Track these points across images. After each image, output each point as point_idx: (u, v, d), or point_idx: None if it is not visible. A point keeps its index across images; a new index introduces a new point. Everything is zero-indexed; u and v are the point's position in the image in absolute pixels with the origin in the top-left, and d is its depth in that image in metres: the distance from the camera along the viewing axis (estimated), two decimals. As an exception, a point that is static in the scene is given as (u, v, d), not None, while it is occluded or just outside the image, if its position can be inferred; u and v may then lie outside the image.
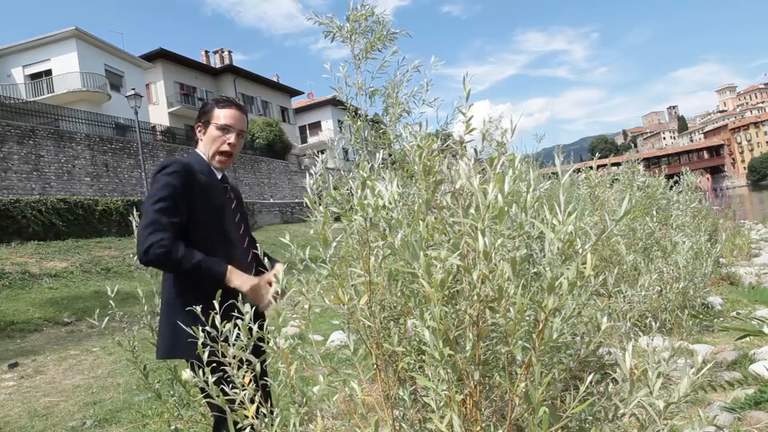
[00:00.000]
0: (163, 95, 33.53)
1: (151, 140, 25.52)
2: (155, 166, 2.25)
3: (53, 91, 26.14)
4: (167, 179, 1.99)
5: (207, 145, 2.18)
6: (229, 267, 1.96)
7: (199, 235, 2.02)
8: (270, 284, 2.02)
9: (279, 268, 2.13)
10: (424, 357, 1.28)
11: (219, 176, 2.21)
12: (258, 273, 2.15)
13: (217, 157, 2.17)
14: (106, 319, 2.50)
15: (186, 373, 2.21)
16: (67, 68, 26.20)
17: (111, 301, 2.51)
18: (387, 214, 1.29)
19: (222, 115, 2.16)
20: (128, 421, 4.21)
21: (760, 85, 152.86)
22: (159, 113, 32.45)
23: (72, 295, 10.44)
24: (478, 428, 1.31)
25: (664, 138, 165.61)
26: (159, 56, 33.06)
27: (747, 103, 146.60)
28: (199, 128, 2.23)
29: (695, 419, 1.20)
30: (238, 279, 1.95)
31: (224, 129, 2.15)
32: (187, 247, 1.91)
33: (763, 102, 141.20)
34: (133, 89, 21.22)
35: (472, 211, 1.19)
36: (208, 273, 1.92)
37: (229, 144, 2.16)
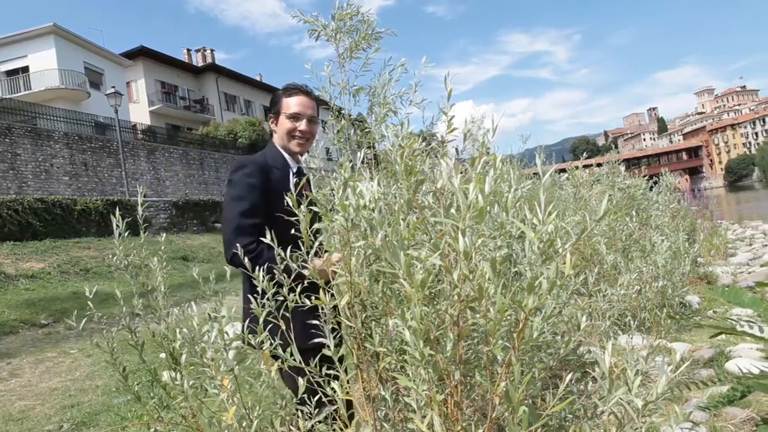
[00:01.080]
0: (144, 94, 33.10)
1: (131, 139, 25.17)
2: (232, 165, 2.22)
3: (30, 89, 25.66)
4: (246, 180, 2.03)
5: (281, 135, 2.20)
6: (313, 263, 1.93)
7: (275, 233, 2.03)
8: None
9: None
10: (405, 357, 1.28)
11: (295, 168, 2.20)
12: None
13: (294, 145, 2.18)
14: (84, 320, 2.45)
15: (166, 375, 2.19)
16: (45, 65, 25.74)
17: (89, 302, 2.46)
18: (368, 214, 1.29)
19: (291, 104, 2.17)
20: (107, 423, 4.14)
21: (737, 87, 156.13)
22: (140, 112, 32.04)
23: (49, 297, 10.24)
24: (459, 428, 1.31)
25: (644, 139, 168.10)
26: (140, 54, 32.65)
27: (724, 106, 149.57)
28: (271, 120, 2.25)
29: (672, 416, 1.21)
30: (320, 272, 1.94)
31: (294, 117, 2.16)
32: (271, 250, 1.88)
33: (739, 104, 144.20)
34: (113, 87, 20.93)
35: (453, 211, 1.19)
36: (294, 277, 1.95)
37: (300, 131, 2.16)
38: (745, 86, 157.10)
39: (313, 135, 2.21)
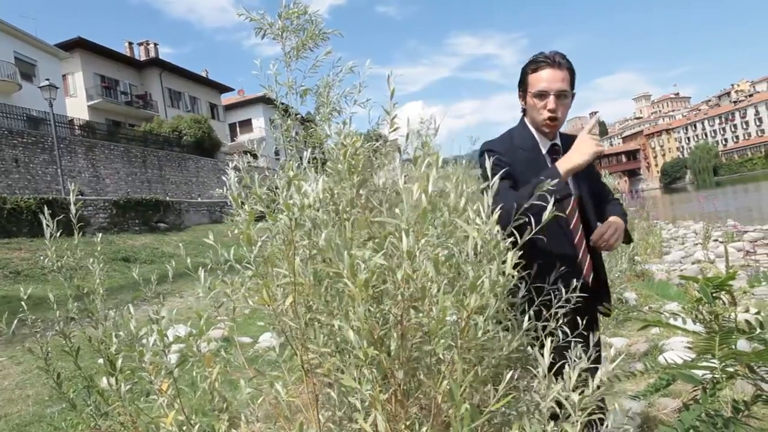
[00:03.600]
0: (82, 88, 31.57)
1: (68, 135, 23.98)
2: (481, 146, 2.10)
3: (-48, 79, 24.04)
4: (494, 160, 1.90)
5: (530, 114, 2.03)
6: (558, 164, 1.85)
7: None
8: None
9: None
10: (348, 358, 1.27)
11: (545, 149, 2.03)
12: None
13: (543, 125, 2.00)
14: (15, 325, 2.32)
15: (104, 381, 2.10)
16: (-31, 54, 24.16)
17: (24, 303, 2.33)
18: (313, 213, 1.28)
19: (536, 81, 1.96)
20: (38, 435, 3.93)
21: (671, 94, 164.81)
22: (77, 106, 30.53)
23: (-24, 301, 9.63)
24: (403, 426, 1.32)
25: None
26: (77, 46, 31.10)
27: (660, 111, 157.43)
28: (520, 96, 2.07)
29: (610, 408, 1.27)
30: (565, 164, 1.84)
31: (540, 96, 1.96)
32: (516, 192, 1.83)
33: (673, 110, 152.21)
34: (48, 80, 19.85)
35: (397, 210, 1.20)
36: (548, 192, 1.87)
37: (549, 110, 1.95)
38: (678, 93, 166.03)
39: (566, 109, 2.01)
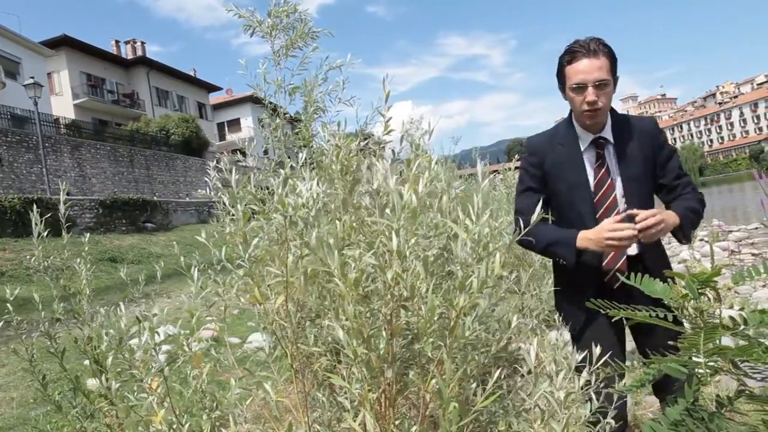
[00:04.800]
0: (68, 86, 31.19)
1: (53, 134, 23.68)
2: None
3: (-65, 76, 23.63)
4: (522, 164, 2.07)
5: (571, 107, 1.96)
6: (578, 237, 1.85)
7: (559, 212, 1.99)
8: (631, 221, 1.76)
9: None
10: (339, 357, 1.28)
11: (584, 144, 1.96)
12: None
13: (583, 118, 1.91)
14: (0, 326, 2.29)
15: (90, 383, 2.08)
16: (-48, 51, 23.77)
17: (9, 305, 2.30)
18: (306, 213, 1.28)
19: (572, 73, 1.87)
20: (23, 437, 3.89)
21: (658, 96, 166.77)
22: (63, 105, 30.16)
23: (-41, 302, 9.46)
24: (392, 426, 1.32)
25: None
26: (63, 43, 30.72)
27: (647, 112, 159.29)
28: (560, 89, 1.99)
29: (591, 405, 1.28)
30: (581, 241, 1.85)
31: (578, 89, 1.86)
32: (541, 227, 1.89)
33: (660, 111, 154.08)
34: (32, 78, 19.60)
35: (388, 211, 1.20)
36: (557, 256, 1.93)
37: (587, 103, 1.85)
38: (665, 94, 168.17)
39: (608, 97, 1.89)
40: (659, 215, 1.75)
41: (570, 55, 1.89)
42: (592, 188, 1.93)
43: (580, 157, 1.96)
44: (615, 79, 1.91)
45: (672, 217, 1.83)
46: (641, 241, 1.78)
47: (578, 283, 1.96)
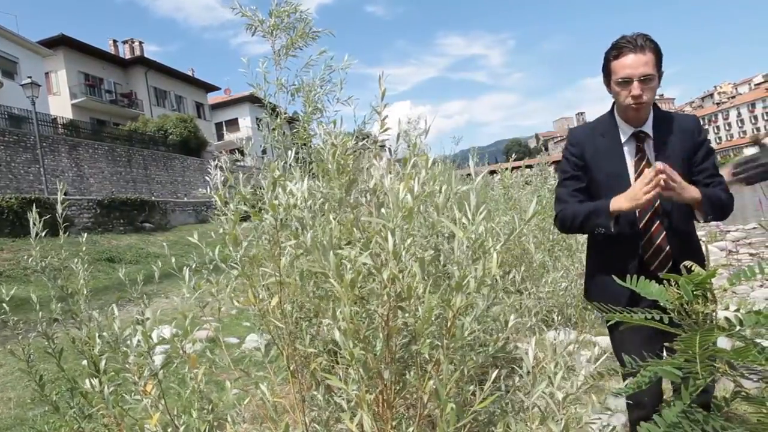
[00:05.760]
0: (66, 86, 31.11)
1: (51, 134, 23.59)
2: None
3: (-70, 76, 23.54)
4: (564, 153, 2.12)
5: (616, 100, 2.01)
6: (611, 201, 1.88)
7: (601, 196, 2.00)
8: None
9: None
10: (336, 357, 1.27)
11: (625, 136, 2.02)
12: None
13: (628, 112, 1.97)
14: (-5, 327, 2.28)
15: (88, 383, 2.07)
16: (-51, 51, 23.67)
17: (6, 305, 2.30)
18: (299, 213, 1.28)
19: (619, 68, 1.91)
20: (20, 438, 3.87)
21: (656, 95, 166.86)
22: (61, 105, 30.09)
23: (-44, 302, 9.41)
24: (390, 426, 1.32)
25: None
26: (61, 43, 30.64)
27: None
28: (605, 83, 2.03)
29: (589, 405, 1.28)
30: (616, 203, 1.87)
31: (624, 83, 1.91)
32: (576, 205, 1.98)
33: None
34: (30, 78, 19.53)
35: (383, 210, 1.20)
36: (596, 225, 1.93)
37: (632, 97, 1.90)
38: (663, 95, 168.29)
39: (652, 92, 1.95)
40: (679, 178, 1.82)
41: (617, 50, 1.93)
42: (632, 180, 1.99)
43: (620, 149, 2.03)
44: (660, 74, 1.97)
45: (695, 191, 1.88)
46: (661, 194, 1.83)
47: (617, 265, 1.93)
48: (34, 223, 2.26)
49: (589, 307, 2.03)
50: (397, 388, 1.41)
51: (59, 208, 2.43)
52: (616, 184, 1.97)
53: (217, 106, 44.73)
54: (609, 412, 2.78)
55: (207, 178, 1.66)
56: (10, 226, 14.87)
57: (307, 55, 2.27)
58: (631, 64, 1.88)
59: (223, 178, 1.61)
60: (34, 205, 2.56)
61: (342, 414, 1.20)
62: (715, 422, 0.92)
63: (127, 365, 1.50)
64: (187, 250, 2.76)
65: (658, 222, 1.97)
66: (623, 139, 2.04)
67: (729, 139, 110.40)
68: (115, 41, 37.86)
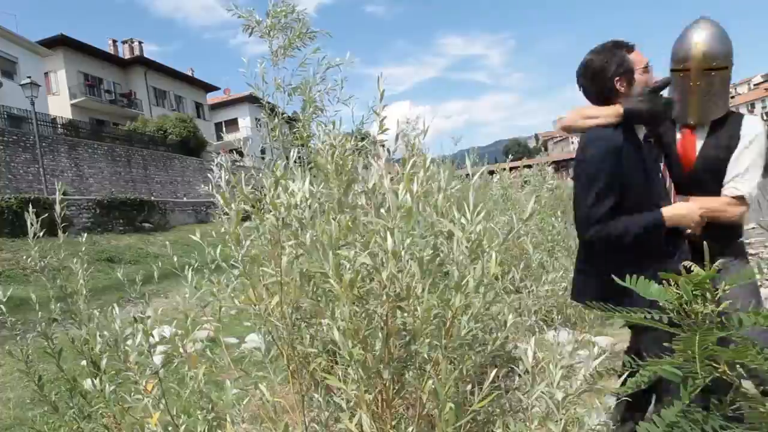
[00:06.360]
0: (65, 85, 31.10)
1: (51, 134, 23.59)
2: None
3: (-71, 75, 23.51)
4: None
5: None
6: (663, 211, 1.88)
7: (625, 205, 1.93)
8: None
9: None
10: (337, 357, 1.27)
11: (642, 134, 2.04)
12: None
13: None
14: (-6, 327, 2.28)
15: (87, 383, 2.07)
16: (-53, 50, 23.65)
17: (3, 306, 2.29)
18: (300, 213, 1.28)
19: (637, 58, 1.99)
20: (19, 438, 3.87)
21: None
22: (60, 105, 30.06)
23: (-45, 302, 9.39)
24: (389, 427, 1.32)
25: (573, 142, 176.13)
26: (60, 43, 30.63)
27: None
28: (619, 81, 2.01)
29: (589, 406, 1.28)
30: (672, 216, 1.88)
31: (647, 69, 2.00)
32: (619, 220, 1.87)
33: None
34: (29, 77, 19.52)
35: (383, 211, 1.20)
36: (650, 236, 1.86)
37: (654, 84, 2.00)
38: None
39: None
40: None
41: (627, 45, 2.01)
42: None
43: (635, 148, 2.07)
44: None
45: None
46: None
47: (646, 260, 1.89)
48: (31, 224, 2.26)
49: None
50: (396, 387, 1.41)
51: (57, 208, 2.43)
52: (638, 188, 1.99)
53: (216, 106, 44.75)
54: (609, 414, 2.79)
55: (209, 176, 1.66)
56: (10, 226, 14.85)
57: (304, 55, 2.28)
58: (639, 54, 2.01)
59: (225, 177, 1.61)
60: (31, 205, 2.55)
61: (341, 414, 1.20)
62: (714, 422, 0.92)
63: (127, 365, 1.50)
64: (187, 250, 2.76)
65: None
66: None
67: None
68: (114, 41, 37.85)
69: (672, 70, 2.17)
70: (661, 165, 2.07)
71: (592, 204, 1.89)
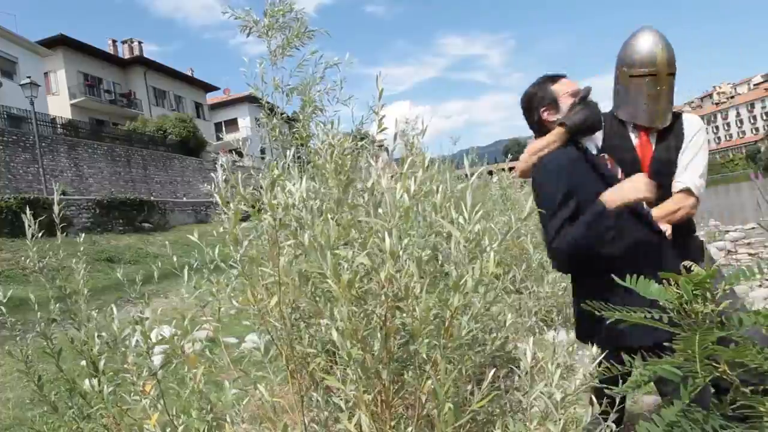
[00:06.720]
0: (65, 85, 31.09)
1: (50, 134, 23.58)
2: None
3: (-71, 76, 23.50)
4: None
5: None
6: (601, 196, 1.85)
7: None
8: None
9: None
10: (336, 358, 1.27)
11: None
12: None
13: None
14: (-6, 327, 2.28)
15: (87, 383, 2.07)
16: (-53, 50, 23.64)
17: (3, 307, 2.29)
18: (298, 213, 1.28)
19: (563, 88, 2.08)
20: (18, 438, 3.87)
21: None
22: (60, 105, 30.05)
23: (-46, 303, 9.37)
24: (388, 427, 1.32)
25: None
26: (60, 43, 30.63)
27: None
28: (546, 111, 2.11)
29: (588, 407, 1.28)
30: (614, 194, 1.84)
31: (577, 93, 2.09)
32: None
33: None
34: (29, 77, 19.51)
35: (380, 211, 1.20)
36: (596, 225, 1.79)
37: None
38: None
39: None
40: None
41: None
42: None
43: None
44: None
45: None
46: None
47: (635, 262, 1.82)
48: (29, 224, 2.26)
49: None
50: (396, 388, 1.40)
51: (56, 208, 2.43)
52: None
53: (216, 106, 44.76)
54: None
55: (213, 174, 1.66)
56: (9, 226, 14.84)
57: (303, 55, 2.27)
58: None
59: (225, 176, 1.60)
60: (28, 206, 2.55)
61: (340, 414, 1.20)
62: (714, 422, 0.92)
63: (126, 365, 1.49)
64: (186, 250, 2.76)
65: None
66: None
67: (728, 139, 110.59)
68: (114, 41, 37.86)
69: (631, 76, 2.20)
70: (619, 172, 2.05)
71: (551, 220, 1.88)
